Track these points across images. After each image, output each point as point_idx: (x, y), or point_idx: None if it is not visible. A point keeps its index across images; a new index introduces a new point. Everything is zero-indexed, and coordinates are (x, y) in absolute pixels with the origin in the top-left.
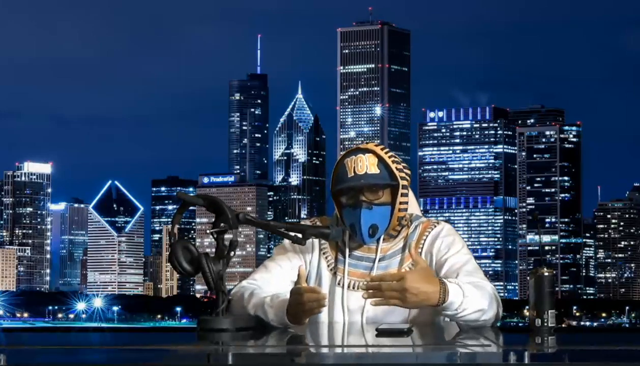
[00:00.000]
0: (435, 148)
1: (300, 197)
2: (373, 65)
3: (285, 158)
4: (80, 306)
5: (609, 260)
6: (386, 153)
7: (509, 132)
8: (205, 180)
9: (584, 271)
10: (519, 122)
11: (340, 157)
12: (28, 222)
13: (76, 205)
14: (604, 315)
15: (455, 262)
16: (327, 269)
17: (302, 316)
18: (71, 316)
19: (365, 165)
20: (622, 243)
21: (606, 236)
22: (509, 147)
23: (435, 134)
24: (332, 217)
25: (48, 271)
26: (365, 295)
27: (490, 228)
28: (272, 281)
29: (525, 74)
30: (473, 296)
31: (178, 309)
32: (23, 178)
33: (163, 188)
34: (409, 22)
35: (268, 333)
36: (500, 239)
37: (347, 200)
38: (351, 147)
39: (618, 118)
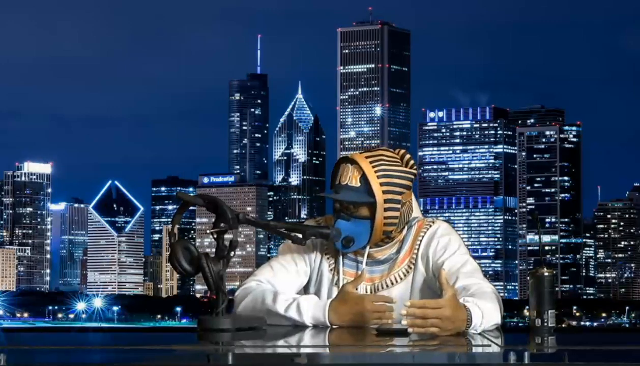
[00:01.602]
0: (435, 148)
1: (300, 197)
2: (373, 65)
3: (285, 158)
4: (80, 306)
5: (609, 260)
6: (375, 166)
7: (509, 132)
8: (205, 180)
9: (584, 271)
10: (519, 122)
11: (339, 159)
12: (28, 222)
13: (76, 205)
14: (604, 315)
15: (452, 265)
16: (328, 270)
17: (351, 320)
18: (71, 316)
19: (349, 176)
20: (622, 243)
21: (606, 236)
22: (509, 147)
23: (435, 134)
24: None
25: (48, 271)
26: (406, 322)
27: (490, 228)
28: (280, 282)
29: (525, 74)
30: (488, 310)
31: (178, 309)
32: (23, 178)
33: (163, 188)
34: (409, 22)
35: (268, 333)
36: (500, 239)
37: (333, 205)
38: (351, 148)
39: (618, 118)
